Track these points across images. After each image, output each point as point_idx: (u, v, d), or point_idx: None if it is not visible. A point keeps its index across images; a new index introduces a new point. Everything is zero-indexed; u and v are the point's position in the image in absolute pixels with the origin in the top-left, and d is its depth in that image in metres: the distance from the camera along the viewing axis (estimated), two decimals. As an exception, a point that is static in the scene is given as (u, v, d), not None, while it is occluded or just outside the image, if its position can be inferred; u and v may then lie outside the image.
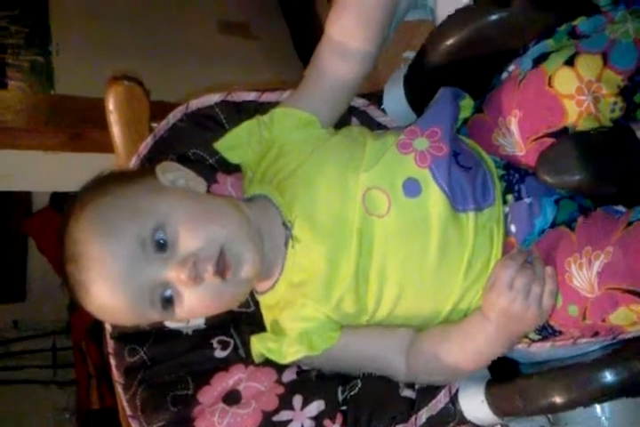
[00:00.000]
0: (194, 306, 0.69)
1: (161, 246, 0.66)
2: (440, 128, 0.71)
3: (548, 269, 0.63)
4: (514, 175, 0.72)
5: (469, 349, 0.66)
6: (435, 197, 0.68)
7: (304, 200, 0.70)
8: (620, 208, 0.65)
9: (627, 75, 0.63)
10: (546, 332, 0.66)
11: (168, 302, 0.68)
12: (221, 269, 0.66)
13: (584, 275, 0.60)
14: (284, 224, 0.71)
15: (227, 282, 0.67)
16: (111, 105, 0.83)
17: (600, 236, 0.61)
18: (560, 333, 0.65)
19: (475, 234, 0.68)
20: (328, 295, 0.69)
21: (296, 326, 0.70)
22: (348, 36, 0.75)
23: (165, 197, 0.70)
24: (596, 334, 0.63)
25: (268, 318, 0.76)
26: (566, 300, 0.62)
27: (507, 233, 0.70)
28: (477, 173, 0.71)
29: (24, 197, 2.58)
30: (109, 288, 0.66)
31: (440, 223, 0.67)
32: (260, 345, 0.73)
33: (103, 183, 0.72)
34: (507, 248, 0.70)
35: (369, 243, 0.68)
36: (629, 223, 0.59)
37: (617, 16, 0.66)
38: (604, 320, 0.60)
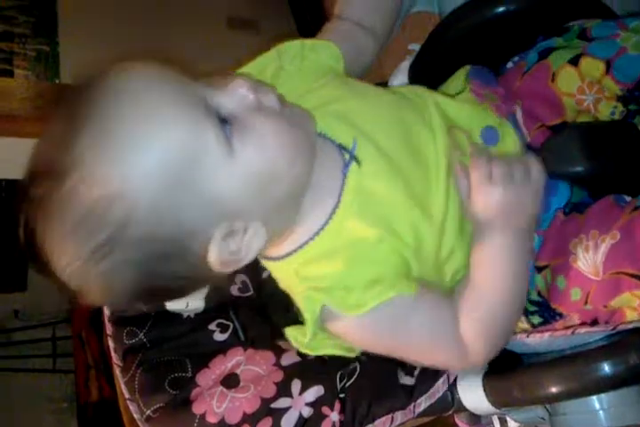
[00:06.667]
0: (264, 133, 0.55)
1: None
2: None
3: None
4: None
5: (501, 269, 0.60)
6: (511, 147, 0.66)
7: (365, 122, 0.63)
8: (626, 197, 0.65)
9: (626, 87, 0.64)
10: (548, 314, 0.65)
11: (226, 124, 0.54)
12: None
13: (590, 257, 0.59)
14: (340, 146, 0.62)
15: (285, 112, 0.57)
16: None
17: (607, 220, 0.60)
18: (561, 316, 0.64)
19: None
20: (414, 231, 0.59)
21: (367, 271, 0.57)
22: (359, 16, 0.75)
23: None
24: (595, 321, 0.62)
25: (301, 284, 0.60)
26: (570, 283, 0.61)
27: None
28: None
29: (28, 188, 2.58)
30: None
31: None
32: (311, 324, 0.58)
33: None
34: None
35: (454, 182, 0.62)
36: (635, 208, 0.58)
37: (632, 25, 0.66)
38: (605, 306, 0.59)
